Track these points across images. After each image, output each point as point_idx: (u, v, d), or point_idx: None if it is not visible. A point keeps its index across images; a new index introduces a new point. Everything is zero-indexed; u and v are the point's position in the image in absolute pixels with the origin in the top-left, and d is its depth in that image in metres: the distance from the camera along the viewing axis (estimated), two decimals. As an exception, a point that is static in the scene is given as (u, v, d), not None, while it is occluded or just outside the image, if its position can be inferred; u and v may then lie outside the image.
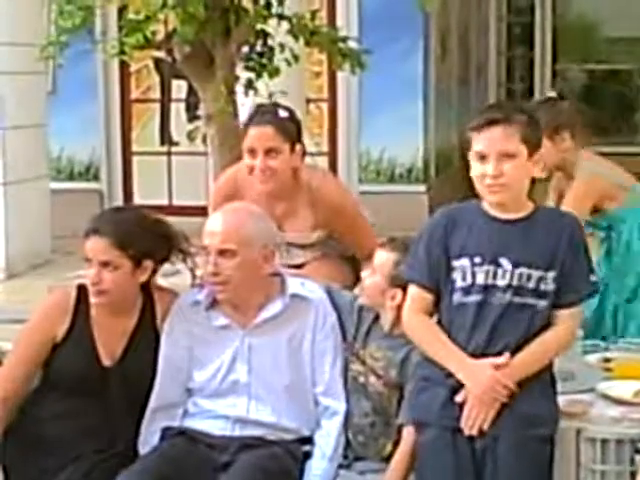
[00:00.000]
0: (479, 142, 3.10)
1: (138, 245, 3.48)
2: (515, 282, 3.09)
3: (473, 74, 13.21)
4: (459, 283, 3.13)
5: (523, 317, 3.10)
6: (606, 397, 3.41)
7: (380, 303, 3.46)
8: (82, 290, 3.54)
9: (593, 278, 3.20)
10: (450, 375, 3.11)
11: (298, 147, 3.98)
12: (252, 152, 3.91)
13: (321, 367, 3.49)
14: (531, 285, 3.09)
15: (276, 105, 4.08)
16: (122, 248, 3.45)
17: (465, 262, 3.12)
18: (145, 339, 3.56)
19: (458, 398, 3.08)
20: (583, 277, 3.15)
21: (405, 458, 3.27)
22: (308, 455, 3.45)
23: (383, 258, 3.45)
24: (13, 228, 7.73)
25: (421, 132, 9.53)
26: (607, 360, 3.76)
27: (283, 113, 3.98)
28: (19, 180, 8.02)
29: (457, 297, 3.13)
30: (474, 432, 3.06)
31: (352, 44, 4.83)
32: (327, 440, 3.44)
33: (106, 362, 3.51)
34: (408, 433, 3.28)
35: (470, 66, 13.02)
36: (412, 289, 3.21)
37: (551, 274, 3.09)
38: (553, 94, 4.44)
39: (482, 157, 3.08)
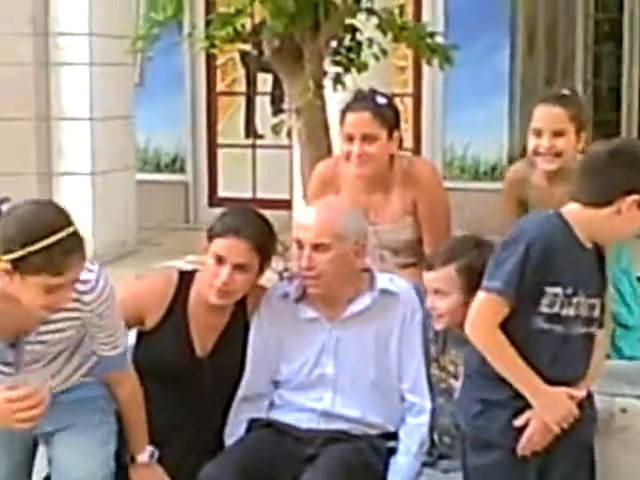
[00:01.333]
0: None
1: (268, 250, 3.53)
2: (586, 313, 3.08)
3: (559, 71, 13.08)
4: (544, 309, 3.06)
5: (588, 346, 3.11)
6: None
7: (461, 320, 3.40)
8: (183, 278, 3.57)
9: None
10: (514, 398, 3.06)
11: (395, 134, 3.96)
12: (349, 138, 3.90)
13: (408, 363, 3.49)
14: (593, 314, 3.09)
15: (374, 91, 4.06)
16: (259, 252, 3.47)
17: (558, 290, 3.05)
18: (236, 333, 3.58)
19: (519, 422, 3.04)
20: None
21: None
22: (392, 451, 3.45)
23: (445, 276, 3.39)
24: (100, 218, 7.84)
25: (506, 129, 9.46)
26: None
27: (381, 99, 3.98)
28: (106, 171, 8.13)
29: (539, 323, 3.07)
30: (527, 453, 3.04)
31: (439, 39, 4.80)
32: (412, 437, 3.44)
33: (199, 353, 3.54)
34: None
35: (557, 63, 12.89)
36: (490, 297, 3.08)
37: (598, 301, 3.10)
38: (567, 92, 4.38)
39: None
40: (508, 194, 4.15)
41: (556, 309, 3.06)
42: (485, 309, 3.10)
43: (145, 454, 3.33)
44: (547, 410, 3.03)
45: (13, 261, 2.84)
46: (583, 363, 3.10)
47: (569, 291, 3.04)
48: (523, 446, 3.03)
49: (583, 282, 3.06)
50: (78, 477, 3.22)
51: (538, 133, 3.92)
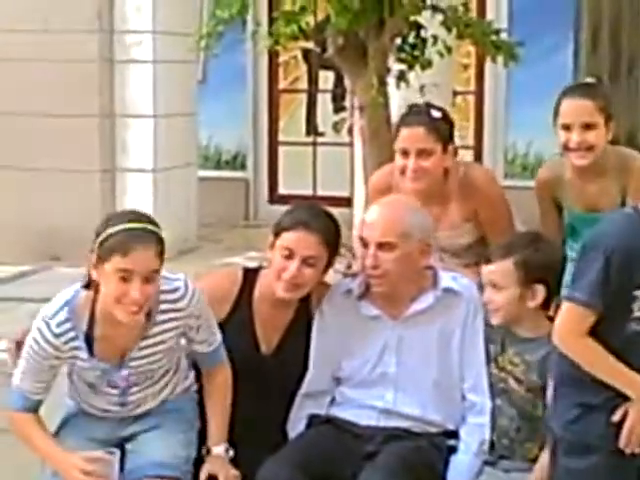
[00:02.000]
0: None
1: (336, 245, 3.54)
2: None
3: (624, 69, 12.95)
4: (637, 313, 3.02)
5: None
6: None
7: (517, 314, 3.42)
8: (248, 275, 3.59)
9: None
10: (613, 399, 3.01)
11: (450, 147, 3.95)
12: (404, 153, 3.90)
13: (470, 363, 3.48)
14: None
15: (429, 105, 4.05)
16: (327, 246, 3.49)
17: None
18: (301, 330, 3.59)
19: (617, 417, 2.99)
20: None
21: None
22: (453, 449, 3.44)
23: (502, 269, 3.41)
24: (162, 214, 7.85)
25: (570, 127, 9.41)
26: None
27: (436, 113, 3.95)
28: (168, 167, 8.18)
29: (633, 326, 3.01)
30: (637, 449, 2.98)
31: (504, 36, 4.79)
32: (473, 435, 3.43)
33: (264, 350, 3.57)
34: (547, 454, 3.21)
35: (621, 61, 12.76)
36: (576, 309, 3.02)
37: None
38: (591, 81, 4.29)
39: None
40: (541, 195, 4.08)
41: None
42: (571, 320, 3.06)
43: (221, 447, 3.35)
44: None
45: (97, 248, 3.06)
46: None
47: None
48: (625, 441, 2.98)
49: None
50: (161, 459, 3.26)
51: (567, 128, 3.81)
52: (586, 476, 3.07)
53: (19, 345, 3.32)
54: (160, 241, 3.13)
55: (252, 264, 3.72)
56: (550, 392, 3.24)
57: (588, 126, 3.80)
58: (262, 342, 3.56)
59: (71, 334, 3.16)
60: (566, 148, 3.85)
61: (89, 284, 3.18)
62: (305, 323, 3.60)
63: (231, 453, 3.37)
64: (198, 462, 3.36)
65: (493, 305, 3.44)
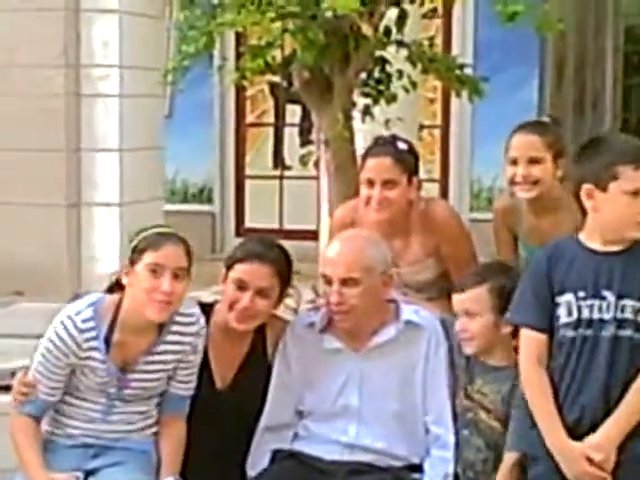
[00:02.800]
0: (637, 179, 3.01)
1: (288, 277, 3.57)
2: (619, 315, 3.04)
3: (589, 103, 13.07)
4: (564, 319, 3.09)
5: (625, 350, 3.05)
6: None
7: (491, 342, 3.43)
8: (203, 310, 3.57)
9: None
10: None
11: (415, 179, 3.97)
12: (370, 183, 3.91)
13: (433, 395, 3.48)
14: (632, 317, 3.04)
15: (395, 137, 4.07)
16: (279, 278, 3.52)
17: (569, 297, 3.08)
18: (256, 364, 3.59)
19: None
20: None
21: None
22: (417, 483, 3.44)
23: (476, 296, 3.42)
24: (128, 248, 7.86)
25: (535, 161, 9.46)
26: None
27: (402, 145, 3.98)
28: (135, 201, 8.15)
29: (562, 333, 3.09)
30: None
31: (469, 71, 4.81)
32: (437, 469, 3.42)
33: (219, 385, 3.56)
34: (508, 457, 3.26)
35: (586, 95, 12.88)
36: (525, 333, 3.16)
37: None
38: (545, 119, 4.35)
39: (637, 193, 3.00)
40: (498, 224, 4.11)
41: (574, 315, 3.06)
42: (523, 342, 3.17)
43: (172, 478, 3.34)
44: (565, 464, 3.04)
45: (130, 254, 3.27)
46: (622, 369, 3.03)
47: (581, 294, 3.05)
48: None
49: (596, 284, 3.04)
50: None
51: (514, 162, 3.85)
52: None
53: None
54: (188, 246, 3.36)
55: (212, 299, 3.71)
56: (514, 414, 3.28)
57: (534, 161, 3.83)
58: (217, 377, 3.55)
59: (93, 333, 3.29)
60: (512, 182, 3.89)
61: (113, 289, 3.38)
62: (261, 357, 3.60)
63: None
64: None
65: (467, 334, 3.44)
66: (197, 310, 3.45)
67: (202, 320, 3.44)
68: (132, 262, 3.27)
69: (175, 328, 3.38)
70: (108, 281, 3.47)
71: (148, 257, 3.23)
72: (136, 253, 3.26)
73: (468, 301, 3.44)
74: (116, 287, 3.38)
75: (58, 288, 7.54)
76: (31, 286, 7.66)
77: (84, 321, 3.28)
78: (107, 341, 3.30)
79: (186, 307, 3.41)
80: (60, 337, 3.27)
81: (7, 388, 3.68)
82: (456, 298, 3.48)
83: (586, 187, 3.07)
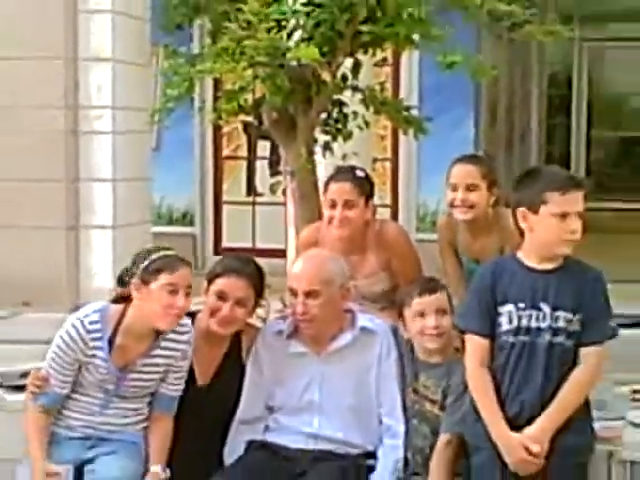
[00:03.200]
0: (563, 203, 3.05)
1: (261, 288, 3.57)
2: (554, 324, 3.07)
3: (517, 139, 13.17)
4: (505, 327, 3.11)
5: (557, 354, 3.08)
6: (635, 425, 3.36)
7: (451, 338, 3.42)
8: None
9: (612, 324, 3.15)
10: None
11: (370, 202, 3.99)
12: (332, 204, 3.93)
13: (385, 391, 3.49)
14: (563, 326, 3.07)
15: (353, 167, 4.13)
16: (255, 289, 3.53)
17: (510, 307, 3.10)
18: (232, 365, 3.58)
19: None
20: (604, 320, 3.11)
21: (443, 463, 3.27)
22: (372, 469, 3.42)
23: (445, 297, 3.44)
24: (120, 264, 7.83)
25: (472, 189, 9.49)
26: (636, 391, 3.70)
27: (359, 173, 4.02)
28: (126, 224, 8.12)
29: (504, 338, 3.11)
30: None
31: (414, 112, 4.82)
32: (389, 456, 3.43)
33: (200, 383, 3.54)
34: (443, 437, 3.28)
35: (515, 132, 12.98)
36: (470, 338, 3.18)
37: (577, 317, 3.07)
38: (480, 153, 4.42)
39: (564, 215, 3.04)
40: (442, 239, 4.13)
41: (515, 323, 3.08)
42: (468, 346, 3.19)
43: (158, 467, 3.33)
44: (506, 453, 3.05)
45: (142, 273, 3.27)
46: (556, 370, 3.06)
47: (520, 305, 3.07)
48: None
49: (534, 297, 3.06)
50: (114, 475, 3.26)
51: (454, 187, 3.88)
52: (477, 471, 3.17)
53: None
54: (191, 267, 3.40)
55: (194, 308, 3.70)
56: (449, 401, 3.30)
57: (471, 187, 3.85)
58: (198, 375, 3.53)
59: (98, 334, 3.32)
60: (452, 205, 3.91)
61: (118, 301, 3.40)
62: (236, 359, 3.59)
63: (168, 473, 3.33)
64: None
65: (441, 329, 3.42)
66: (189, 321, 3.45)
67: (192, 330, 3.44)
68: (144, 280, 3.29)
69: (171, 336, 3.39)
70: (110, 294, 3.50)
71: (165, 278, 3.27)
72: (151, 273, 3.28)
73: (440, 300, 3.44)
74: (120, 299, 3.40)
75: (59, 300, 7.49)
76: (36, 298, 7.61)
77: (91, 323, 3.31)
78: (110, 343, 3.32)
79: (183, 319, 3.43)
80: (70, 336, 3.30)
81: (16, 388, 3.66)
82: (426, 299, 3.45)
83: (521, 210, 3.11)
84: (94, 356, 3.32)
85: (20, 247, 7.82)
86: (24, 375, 3.65)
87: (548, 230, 3.07)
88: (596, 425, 3.23)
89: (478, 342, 3.15)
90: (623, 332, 4.06)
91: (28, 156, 7.76)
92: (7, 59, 7.71)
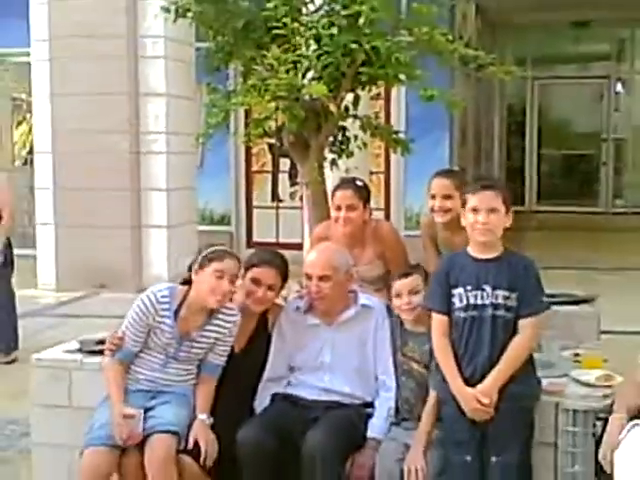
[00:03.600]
0: (473, 201, 3.11)
1: (286, 275, 3.53)
2: (494, 301, 3.06)
3: (483, 157, 13.15)
4: (457, 305, 3.10)
5: (500, 325, 3.07)
6: (577, 381, 3.34)
7: (423, 312, 3.38)
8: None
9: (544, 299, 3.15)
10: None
11: (368, 206, 3.97)
12: (338, 207, 3.91)
13: (380, 354, 3.46)
14: (502, 302, 3.06)
15: (354, 178, 4.11)
16: (282, 276, 3.50)
17: (461, 290, 3.10)
18: (261, 335, 3.55)
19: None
20: (537, 297, 3.10)
21: (430, 412, 3.24)
22: (370, 415, 3.41)
23: (418, 279, 3.40)
24: (172, 256, 7.86)
25: (447, 196, 9.46)
26: (577, 355, 3.68)
27: (359, 182, 4.00)
28: (177, 224, 8.15)
29: (457, 314, 3.11)
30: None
31: (401, 135, 4.79)
32: (384, 405, 3.41)
33: (236, 350, 3.51)
34: (431, 396, 3.25)
35: (481, 151, 12.96)
36: (433, 315, 3.19)
37: (514, 294, 3.06)
38: (455, 168, 4.39)
39: (475, 210, 3.09)
40: (424, 235, 4.09)
41: (464, 302, 3.09)
42: (434, 321, 3.19)
43: (204, 415, 3.30)
44: (463, 404, 3.05)
45: (200, 261, 3.29)
46: (500, 335, 3.04)
47: (468, 287, 3.08)
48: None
49: (478, 280, 3.07)
50: (169, 419, 3.23)
51: (433, 196, 3.86)
52: (445, 418, 3.17)
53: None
54: (239, 260, 3.36)
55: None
56: (433, 365, 3.26)
57: (447, 196, 3.83)
58: (235, 344, 3.49)
59: (166, 305, 3.29)
60: (432, 210, 3.90)
61: (185, 283, 3.37)
62: (264, 331, 3.56)
63: (211, 420, 3.30)
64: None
65: (412, 305, 3.38)
66: (236, 307, 3.41)
67: (238, 315, 3.39)
68: (202, 266, 3.29)
69: (220, 316, 3.35)
70: (180, 278, 3.48)
71: (215, 266, 3.25)
72: (206, 260, 3.27)
73: (414, 281, 3.40)
74: (187, 282, 3.38)
75: (126, 284, 7.54)
76: (110, 282, 7.67)
77: (162, 297, 3.30)
78: (175, 315, 3.31)
79: (230, 305, 3.40)
80: (144, 303, 3.29)
81: (93, 352, 3.65)
82: (401, 282, 3.42)
83: (462, 210, 3.15)
84: (162, 322, 3.30)
85: (96, 242, 7.87)
86: (99, 342, 3.63)
87: (467, 223, 3.13)
88: (545, 381, 3.22)
89: (439, 318, 3.16)
90: (566, 308, 4.09)
91: (102, 171, 7.82)
92: (86, 95, 7.75)
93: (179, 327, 3.31)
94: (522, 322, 3.07)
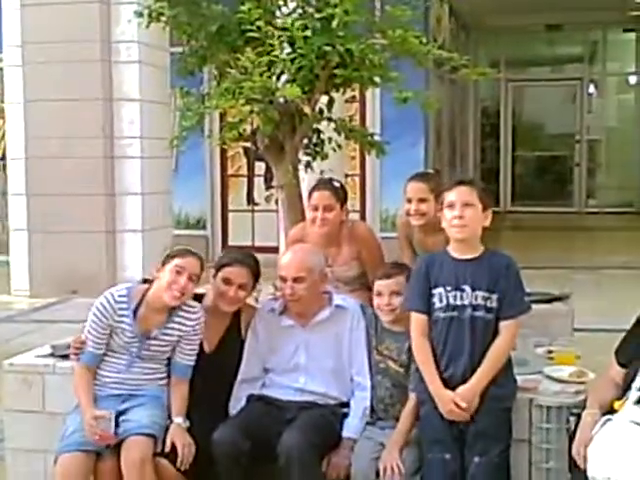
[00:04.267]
0: (449, 196, 3.13)
1: (257, 275, 3.53)
2: (474, 302, 3.07)
3: (458, 159, 13.22)
4: (437, 305, 3.12)
5: (480, 326, 3.08)
6: (550, 377, 3.38)
7: (403, 313, 3.39)
8: (195, 298, 3.53)
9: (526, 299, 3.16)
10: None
11: (345, 206, 3.99)
12: (315, 208, 3.92)
13: (355, 355, 3.47)
14: (482, 303, 3.07)
15: (331, 179, 4.12)
16: (254, 276, 3.50)
17: (441, 290, 3.11)
18: (233, 336, 3.55)
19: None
20: (518, 298, 3.12)
21: (410, 414, 3.25)
22: (346, 415, 3.42)
23: (401, 281, 3.39)
24: (147, 260, 7.83)
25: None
26: (550, 352, 3.72)
27: (336, 183, 4.03)
28: (152, 228, 8.12)
29: (437, 314, 3.12)
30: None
31: (376, 137, 4.81)
32: (359, 405, 3.42)
33: (207, 349, 3.51)
34: (411, 398, 3.27)
35: (456, 153, 13.03)
36: (412, 314, 3.19)
37: (494, 295, 3.07)
38: (432, 171, 4.41)
39: (451, 205, 3.11)
40: (401, 235, 4.12)
41: (444, 302, 3.10)
42: (412, 321, 3.20)
43: (180, 418, 3.30)
44: (440, 405, 3.07)
45: (163, 259, 3.35)
46: (479, 336, 3.05)
47: (448, 288, 3.09)
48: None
49: (458, 281, 3.08)
50: (144, 422, 3.23)
51: (409, 200, 3.89)
52: (423, 419, 3.17)
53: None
54: (202, 261, 3.38)
55: (207, 290, 3.67)
56: (413, 367, 3.27)
57: (422, 200, 3.86)
58: (205, 344, 3.50)
59: (124, 305, 3.31)
60: (408, 213, 3.92)
61: (145, 282, 3.41)
62: (236, 332, 3.55)
63: (187, 423, 3.30)
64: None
65: (392, 307, 3.38)
66: (198, 305, 3.41)
67: (201, 312, 3.39)
68: (163, 263, 3.33)
69: (181, 314, 3.36)
70: (141, 279, 3.53)
71: (175, 262, 3.29)
72: (168, 258, 3.33)
73: (395, 284, 3.39)
74: (147, 281, 3.41)
75: (100, 288, 7.45)
76: (81, 287, 7.61)
77: (119, 296, 3.32)
78: (135, 314, 3.31)
79: (192, 302, 3.41)
80: (102, 304, 3.32)
81: (65, 357, 3.64)
82: (383, 282, 3.42)
83: (441, 213, 3.17)
84: (121, 322, 3.30)
85: (69, 247, 7.82)
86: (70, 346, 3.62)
87: (445, 221, 3.14)
88: (519, 378, 3.25)
89: (418, 317, 3.16)
90: (540, 307, 4.13)
91: (76, 177, 7.77)
92: (59, 101, 7.71)
93: (139, 326, 3.32)
94: (504, 323, 3.08)
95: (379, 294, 3.43)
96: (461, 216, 3.07)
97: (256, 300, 3.67)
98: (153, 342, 3.35)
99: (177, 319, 3.36)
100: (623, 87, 15.30)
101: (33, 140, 7.92)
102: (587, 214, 14.40)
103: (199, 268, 3.35)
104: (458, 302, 3.08)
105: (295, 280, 3.41)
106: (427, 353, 3.11)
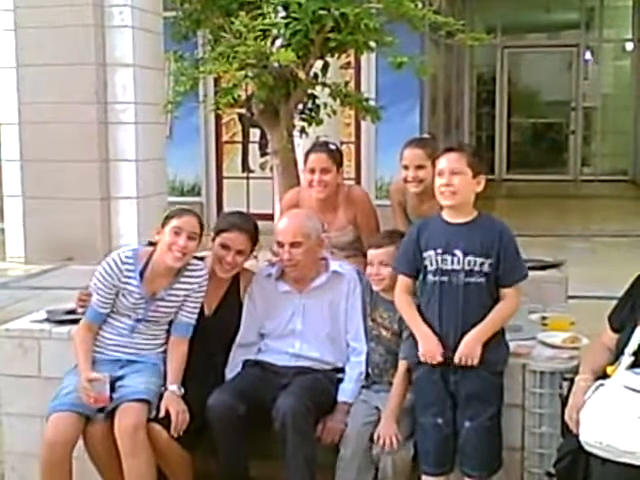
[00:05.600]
0: (439, 163, 3.11)
1: (256, 240, 3.52)
2: (466, 267, 3.06)
3: (453, 125, 13.18)
4: (429, 268, 3.10)
5: (473, 290, 3.06)
6: (543, 343, 3.39)
7: (393, 282, 3.35)
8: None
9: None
10: None
11: (341, 169, 3.97)
12: (312, 170, 3.90)
13: (351, 320, 3.48)
14: (476, 268, 3.05)
15: (327, 142, 4.07)
16: (252, 241, 3.49)
17: (431, 253, 3.09)
18: (232, 299, 3.55)
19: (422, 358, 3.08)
20: (517, 265, 3.09)
21: (402, 380, 3.26)
22: (341, 380, 3.44)
23: (389, 251, 3.36)
24: (142, 227, 7.81)
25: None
26: (544, 318, 3.74)
27: (332, 146, 4.00)
28: (147, 195, 8.09)
29: (429, 277, 3.10)
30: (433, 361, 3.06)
31: (372, 103, 4.78)
32: (354, 369, 3.43)
33: (206, 312, 3.51)
34: (402, 364, 3.27)
35: (451, 119, 12.99)
36: (400, 277, 3.20)
37: (488, 261, 3.05)
38: (428, 135, 4.35)
39: (440, 173, 3.09)
40: (394, 201, 4.10)
41: (435, 265, 3.08)
42: (399, 281, 3.21)
43: (175, 386, 3.30)
44: (421, 343, 3.07)
45: (162, 221, 3.32)
46: (471, 301, 3.04)
47: (439, 251, 3.07)
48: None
49: (449, 245, 3.06)
50: (140, 388, 3.24)
51: (406, 167, 3.85)
52: (416, 382, 3.18)
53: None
54: (200, 219, 3.35)
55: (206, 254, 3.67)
56: (405, 334, 3.28)
57: (419, 166, 3.82)
58: (205, 307, 3.50)
59: (131, 266, 3.30)
60: (405, 180, 3.88)
61: (151, 244, 3.38)
62: (235, 294, 3.55)
63: (182, 391, 3.29)
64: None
65: (381, 276, 3.38)
66: (201, 262, 3.43)
67: (205, 269, 3.40)
68: (163, 225, 3.32)
69: (187, 273, 3.36)
70: (146, 241, 3.50)
71: (172, 223, 3.27)
72: (167, 219, 3.31)
73: (385, 254, 3.37)
74: (153, 244, 3.39)
75: (95, 255, 7.44)
76: (77, 254, 7.60)
77: (126, 257, 3.32)
78: (141, 275, 3.31)
79: (196, 260, 3.41)
80: (109, 264, 3.31)
81: (60, 322, 3.64)
82: (373, 252, 3.41)
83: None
84: (128, 283, 3.30)
85: (64, 214, 7.79)
86: (67, 312, 3.62)
87: (436, 187, 3.11)
88: (512, 344, 3.26)
89: (405, 279, 3.17)
90: (535, 273, 4.14)
91: (70, 142, 7.72)
92: (52, 65, 7.64)
93: (146, 287, 3.32)
94: (504, 291, 3.07)
95: (370, 263, 3.43)
96: (448, 184, 3.05)
97: (255, 257, 3.64)
98: (160, 303, 3.35)
99: (183, 279, 3.36)
100: (619, 54, 15.23)
101: (26, 105, 7.86)
102: (582, 182, 14.40)
103: (198, 226, 3.33)
104: (449, 266, 3.06)
105: (292, 245, 3.40)
106: (410, 304, 3.12)
